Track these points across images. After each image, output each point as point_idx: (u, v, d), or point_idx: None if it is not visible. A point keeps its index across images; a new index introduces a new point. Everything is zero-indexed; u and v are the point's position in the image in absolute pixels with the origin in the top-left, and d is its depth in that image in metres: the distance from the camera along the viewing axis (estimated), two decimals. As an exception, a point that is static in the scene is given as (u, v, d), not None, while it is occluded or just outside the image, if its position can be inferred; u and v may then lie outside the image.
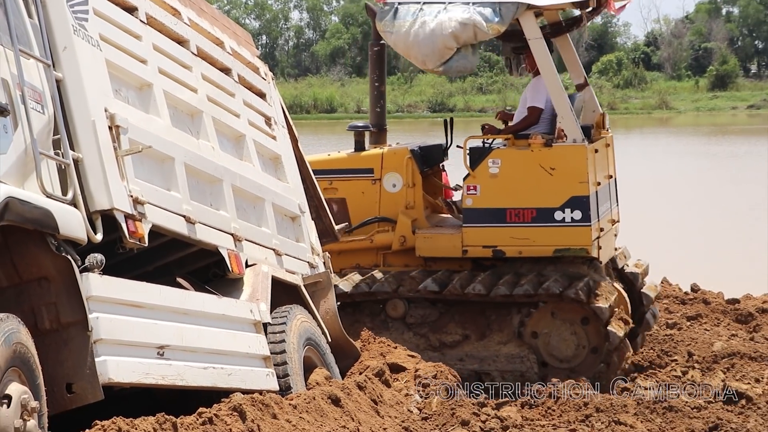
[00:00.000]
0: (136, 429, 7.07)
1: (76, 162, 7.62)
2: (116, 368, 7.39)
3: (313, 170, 12.61)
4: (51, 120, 7.45)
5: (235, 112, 10.55)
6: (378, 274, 12.14)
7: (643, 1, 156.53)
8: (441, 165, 12.88)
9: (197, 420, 7.76)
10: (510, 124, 12.88)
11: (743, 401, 11.57)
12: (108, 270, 7.61)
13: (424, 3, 12.12)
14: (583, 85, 13.55)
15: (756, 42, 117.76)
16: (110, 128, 7.97)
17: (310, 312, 10.70)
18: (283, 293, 10.29)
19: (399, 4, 12.15)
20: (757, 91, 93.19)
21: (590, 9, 12.54)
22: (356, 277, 12.23)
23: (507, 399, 11.21)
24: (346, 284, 12.05)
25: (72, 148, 7.64)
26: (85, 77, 7.87)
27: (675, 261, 20.07)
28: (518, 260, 12.02)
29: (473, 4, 11.96)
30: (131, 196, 8.04)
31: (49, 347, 7.08)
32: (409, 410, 10.37)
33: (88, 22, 8.12)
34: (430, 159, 12.76)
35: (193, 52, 9.99)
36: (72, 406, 7.24)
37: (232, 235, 9.70)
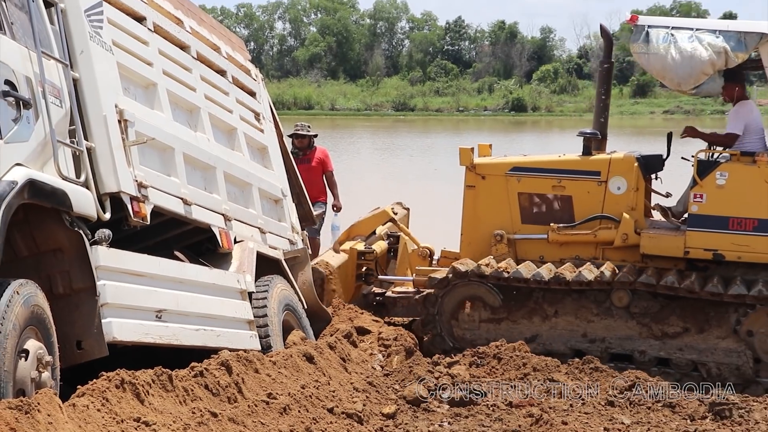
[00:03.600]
0: (136, 380, 7.03)
1: (88, 150, 7.60)
2: (120, 328, 7.39)
3: (544, 168, 12.58)
4: (68, 113, 7.41)
5: (228, 108, 10.52)
6: (599, 266, 11.86)
7: (576, 20, 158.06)
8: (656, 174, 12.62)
9: (190, 373, 7.74)
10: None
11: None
12: (114, 243, 7.58)
13: (673, 28, 11.70)
14: None
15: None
16: (119, 121, 7.95)
17: (289, 282, 10.71)
18: (266, 266, 10.27)
19: (649, 27, 11.70)
20: (671, 99, 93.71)
21: None
22: (585, 266, 11.91)
23: (459, 360, 11.20)
24: (566, 272, 11.74)
25: (85, 138, 7.60)
26: (99, 77, 7.83)
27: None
28: (732, 264, 11.61)
29: (719, 32, 11.56)
30: (136, 181, 8.02)
31: (62, 309, 7.05)
32: (373, 367, 10.36)
33: (102, 29, 8.08)
34: (650, 167, 12.40)
35: (193, 56, 9.97)
36: (81, 360, 7.23)
37: (222, 215, 9.68)
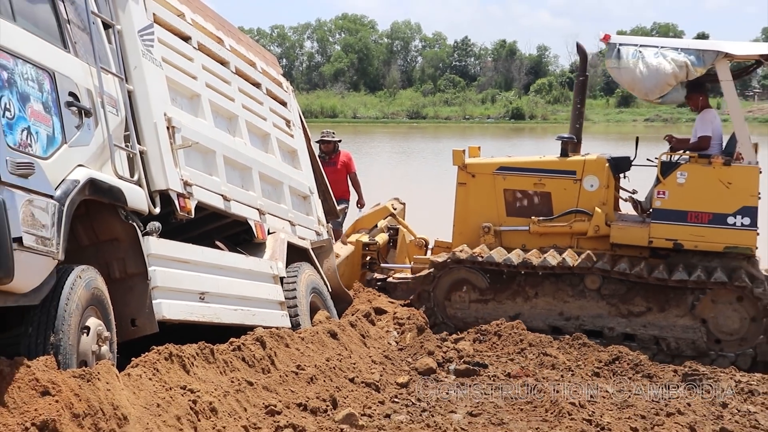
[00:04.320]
0: (183, 353, 7.06)
1: (141, 153, 7.62)
2: (168, 308, 7.41)
3: (526, 168, 12.71)
4: (123, 121, 7.43)
5: (263, 116, 10.51)
6: (580, 254, 11.99)
7: (568, 40, 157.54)
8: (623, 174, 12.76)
9: (229, 347, 7.76)
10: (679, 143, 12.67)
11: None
12: (163, 234, 7.59)
13: (641, 45, 11.85)
14: None
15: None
16: (168, 128, 7.96)
17: (316, 268, 10.71)
18: (295, 254, 10.27)
19: (620, 45, 11.83)
20: (651, 108, 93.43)
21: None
22: (564, 254, 12.04)
23: (464, 336, 11.21)
24: (551, 258, 11.89)
25: (138, 142, 7.63)
26: (150, 89, 7.85)
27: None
28: (690, 252, 11.74)
29: (681, 50, 11.72)
30: (182, 180, 8.03)
31: (118, 292, 7.08)
32: (388, 343, 10.36)
33: (153, 47, 8.09)
34: (619, 167, 12.53)
35: (232, 71, 9.96)
36: (135, 336, 7.26)
37: (257, 209, 9.68)
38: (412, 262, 13.41)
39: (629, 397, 8.68)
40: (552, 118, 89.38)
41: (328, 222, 11.95)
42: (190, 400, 6.61)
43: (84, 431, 5.65)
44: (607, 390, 8.93)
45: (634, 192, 12.69)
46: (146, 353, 6.88)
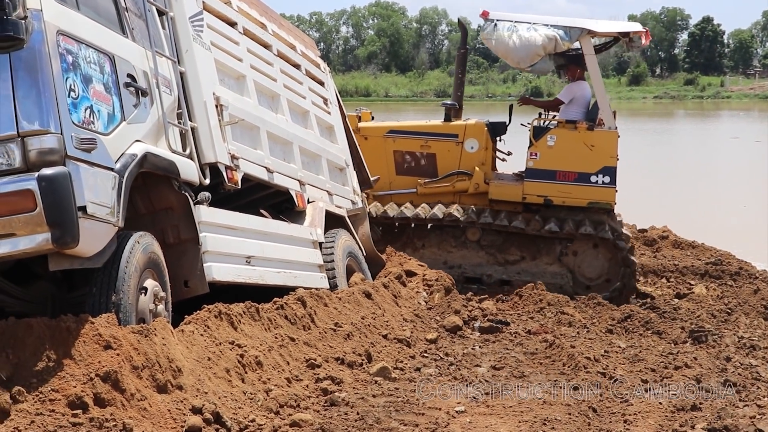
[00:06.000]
0: (231, 311, 7.10)
1: (192, 129, 7.64)
2: (218, 270, 7.43)
3: (414, 131, 13.03)
4: (176, 100, 7.46)
5: (302, 95, 10.49)
6: (465, 209, 12.30)
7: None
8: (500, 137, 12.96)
9: (273, 306, 7.78)
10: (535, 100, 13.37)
11: (648, 299, 11.58)
12: (213, 203, 7.62)
13: (516, 21, 12.14)
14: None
15: (659, 52, 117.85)
16: (216, 106, 7.96)
17: (351, 234, 10.70)
18: (333, 221, 10.27)
19: (497, 20, 12.13)
20: (660, 87, 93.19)
21: (629, 39, 12.43)
22: (450, 208, 12.33)
23: (488, 296, 11.22)
24: (438, 211, 12.25)
25: (190, 119, 7.64)
26: (200, 71, 7.85)
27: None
28: (558, 207, 12.08)
29: (551, 26, 12.02)
30: (230, 153, 8.04)
31: (172, 256, 7.10)
32: (418, 303, 10.37)
33: (203, 32, 8.10)
34: (496, 131, 12.85)
35: (274, 53, 9.95)
36: (188, 296, 7.29)
37: (298, 180, 9.68)
38: None
39: (640, 352, 8.65)
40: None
41: (362, 191, 11.95)
42: (237, 354, 6.66)
43: (142, 382, 5.71)
44: (619, 345, 8.91)
45: (509, 154, 13.01)
46: (198, 311, 6.93)
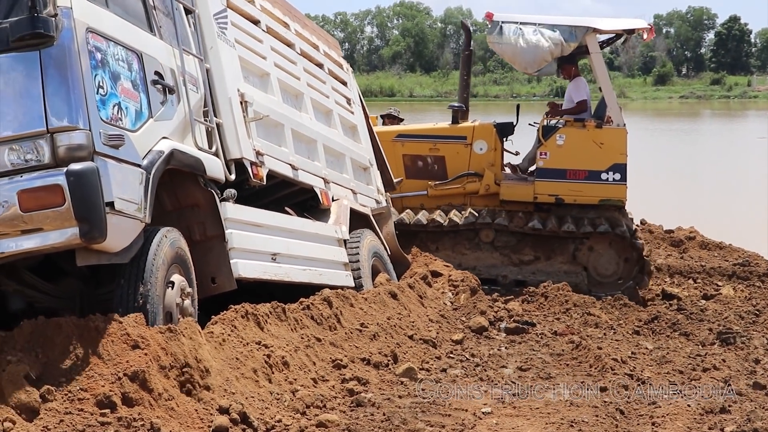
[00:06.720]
0: (257, 311, 7.10)
1: (218, 125, 7.64)
2: (244, 267, 7.43)
3: (422, 135, 13.10)
4: (202, 97, 7.46)
5: (325, 94, 10.50)
6: (479, 211, 12.34)
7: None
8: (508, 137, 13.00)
9: (299, 306, 7.78)
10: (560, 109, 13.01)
11: (674, 300, 11.51)
12: (238, 200, 7.63)
13: (521, 23, 12.18)
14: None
15: (686, 52, 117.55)
16: (241, 103, 7.97)
17: (376, 233, 10.70)
18: (357, 220, 10.27)
19: (502, 23, 12.18)
20: (686, 86, 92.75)
21: (634, 35, 12.59)
22: (464, 212, 12.38)
23: (513, 297, 11.18)
24: (456, 216, 12.28)
25: (215, 116, 7.64)
26: (225, 68, 7.86)
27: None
28: (569, 206, 12.16)
29: (555, 27, 12.10)
30: (255, 150, 8.04)
31: (199, 252, 7.13)
32: (444, 303, 10.36)
33: (227, 30, 8.12)
34: (504, 132, 12.91)
35: (297, 52, 9.97)
36: (215, 293, 7.31)
37: (323, 178, 9.69)
38: None
39: (667, 353, 8.61)
40: (592, 95, 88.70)
41: (386, 191, 11.95)
42: (264, 355, 6.66)
43: (170, 381, 5.73)
44: (646, 347, 8.87)
45: (517, 153, 13.04)
46: (224, 311, 6.94)
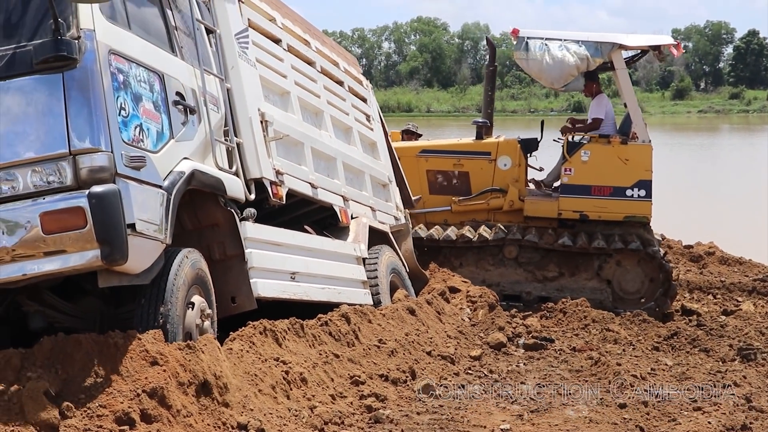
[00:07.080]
0: (276, 327, 7.13)
1: (238, 145, 7.68)
2: (264, 287, 7.44)
3: (446, 150, 13.16)
4: (222, 117, 7.50)
5: (345, 111, 10.54)
6: (508, 227, 12.34)
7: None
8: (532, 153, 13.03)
9: (317, 322, 7.81)
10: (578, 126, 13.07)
11: (694, 316, 11.48)
12: (258, 220, 7.66)
13: (547, 39, 12.21)
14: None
15: (704, 66, 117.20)
16: (261, 122, 8.01)
17: (395, 250, 10.72)
18: (376, 237, 10.29)
19: (528, 38, 12.20)
20: (704, 101, 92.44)
21: (659, 52, 12.56)
22: (493, 228, 12.39)
23: (532, 313, 11.17)
24: (486, 232, 12.28)
25: (236, 136, 7.68)
26: (246, 87, 7.90)
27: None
28: (594, 222, 12.15)
29: (581, 42, 12.11)
30: (275, 169, 8.07)
31: (219, 271, 7.14)
32: (462, 319, 10.36)
33: (248, 49, 8.16)
34: (528, 147, 12.93)
35: (318, 70, 10.01)
36: (235, 312, 7.33)
37: (342, 196, 9.71)
38: None
39: (687, 369, 8.58)
40: (617, 109, 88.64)
41: (405, 208, 11.97)
42: (283, 371, 6.69)
43: (188, 398, 5.75)
44: (666, 363, 8.84)
45: (541, 169, 13.05)
46: (242, 328, 6.97)
